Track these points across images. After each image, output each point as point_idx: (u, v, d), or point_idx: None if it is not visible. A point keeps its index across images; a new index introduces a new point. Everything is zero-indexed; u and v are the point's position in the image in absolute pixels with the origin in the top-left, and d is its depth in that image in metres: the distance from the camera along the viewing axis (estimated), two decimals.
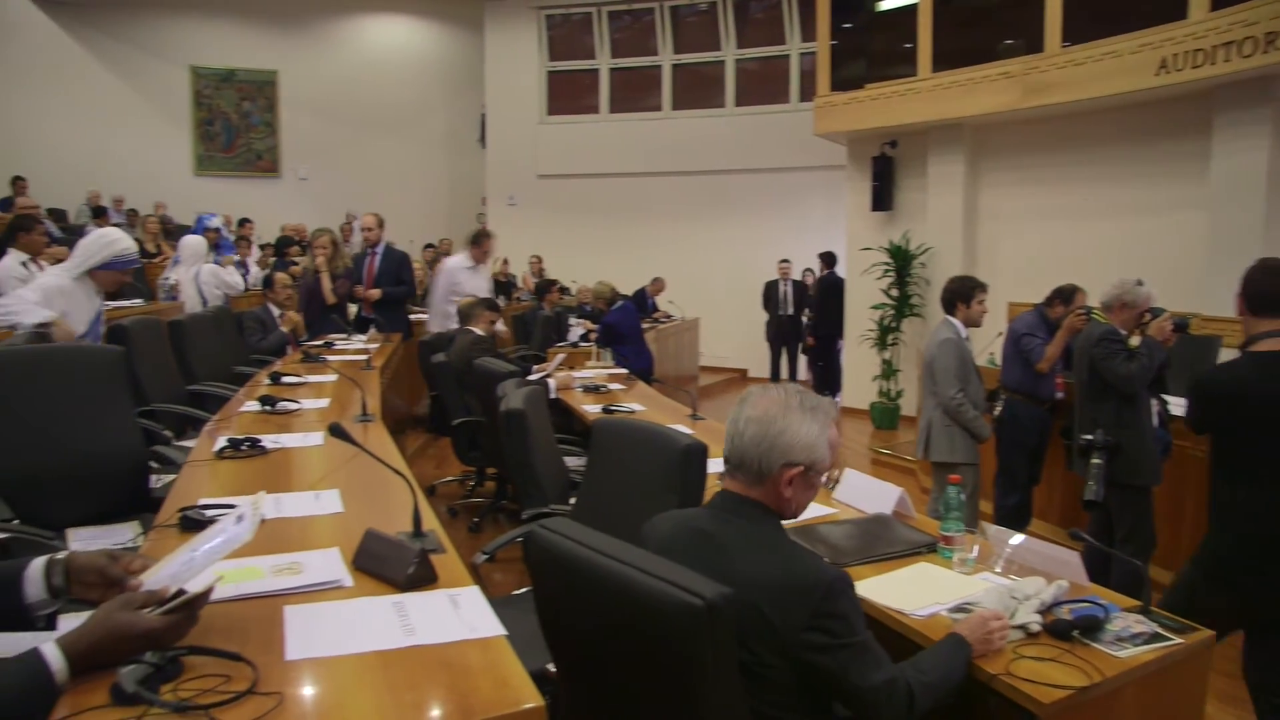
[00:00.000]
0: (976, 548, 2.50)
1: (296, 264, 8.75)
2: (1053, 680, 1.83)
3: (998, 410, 5.09)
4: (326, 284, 7.19)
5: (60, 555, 1.67)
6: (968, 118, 8.85)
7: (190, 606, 1.52)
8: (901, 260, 9.64)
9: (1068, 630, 2.00)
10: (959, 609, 2.13)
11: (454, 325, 6.69)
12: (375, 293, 7.41)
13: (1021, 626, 2.02)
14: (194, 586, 1.54)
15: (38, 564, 1.65)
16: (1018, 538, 2.50)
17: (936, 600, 2.19)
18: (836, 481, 3.14)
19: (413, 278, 8.05)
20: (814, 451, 1.87)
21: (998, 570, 2.41)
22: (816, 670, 1.74)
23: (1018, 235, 9.06)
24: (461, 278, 7.45)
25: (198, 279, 7.58)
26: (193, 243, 7.93)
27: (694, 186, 13.91)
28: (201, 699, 1.39)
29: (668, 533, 1.93)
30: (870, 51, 10.04)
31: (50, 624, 1.70)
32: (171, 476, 3.61)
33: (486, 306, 6.04)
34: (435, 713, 1.41)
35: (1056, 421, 5.11)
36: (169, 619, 1.49)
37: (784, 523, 1.91)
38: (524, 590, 2.72)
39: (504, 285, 12.15)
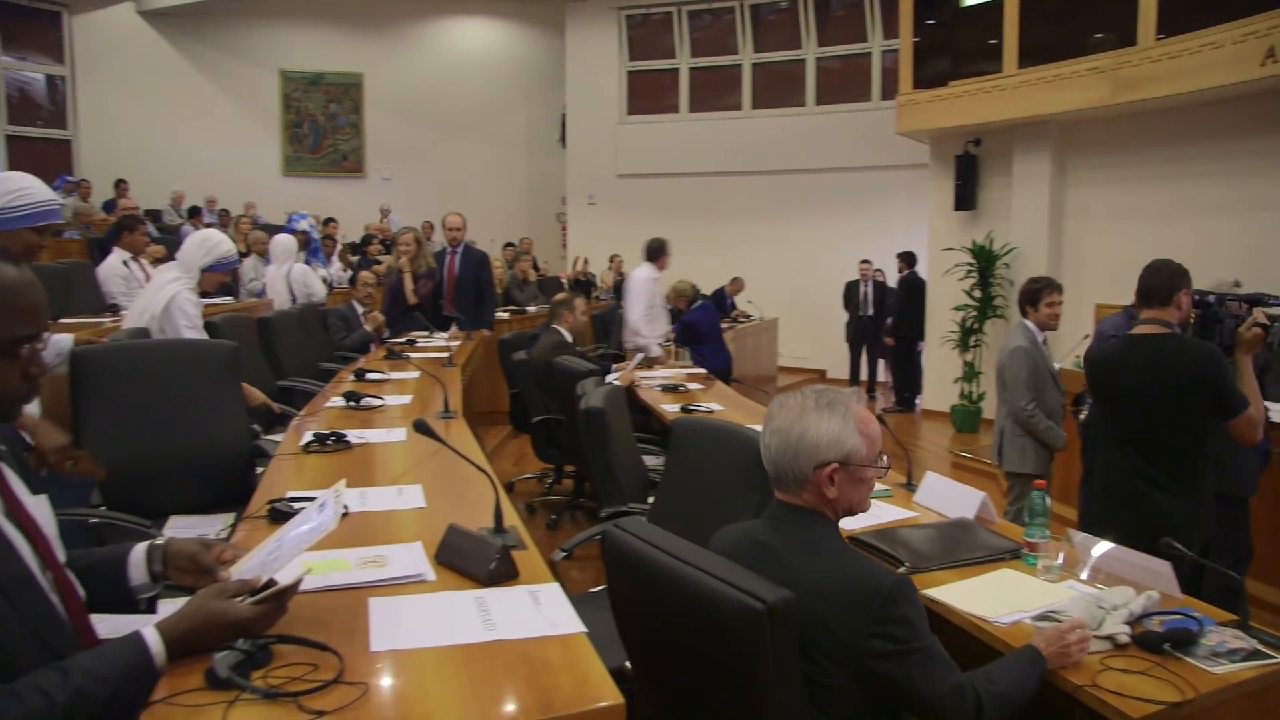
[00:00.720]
0: (1062, 555, 2.43)
1: (380, 263, 8.91)
2: (1142, 694, 1.76)
3: (1084, 414, 4.95)
4: (409, 283, 7.30)
5: (159, 541, 1.74)
6: (1055, 115, 8.63)
7: (280, 597, 1.57)
8: (985, 261, 9.44)
9: (1159, 643, 1.92)
10: (1043, 617, 2.07)
11: (647, 340, 6.90)
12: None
13: (1109, 637, 1.95)
14: (284, 578, 1.58)
15: (139, 549, 1.73)
16: (1104, 546, 2.43)
17: (1020, 608, 2.14)
18: (887, 469, 3.09)
19: (492, 277, 8.13)
20: (842, 445, 1.84)
21: (1084, 578, 2.35)
22: (881, 679, 1.71)
23: (1106, 235, 8.80)
24: (655, 289, 7.25)
25: (289, 277, 7.76)
26: (284, 242, 8.12)
27: (773, 186, 13.83)
28: (290, 686, 1.42)
29: (729, 546, 1.91)
30: (954, 48, 9.85)
31: (151, 607, 1.77)
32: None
33: (567, 306, 6.07)
34: (516, 707, 1.42)
35: None
36: (259, 609, 1.54)
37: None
38: (601, 588, 2.72)
39: (583, 284, 12.22)
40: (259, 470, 3.66)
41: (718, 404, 5.11)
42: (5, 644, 1.37)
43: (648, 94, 15.01)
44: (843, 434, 1.84)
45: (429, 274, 7.49)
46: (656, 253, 7.28)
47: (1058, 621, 2.00)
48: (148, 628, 1.46)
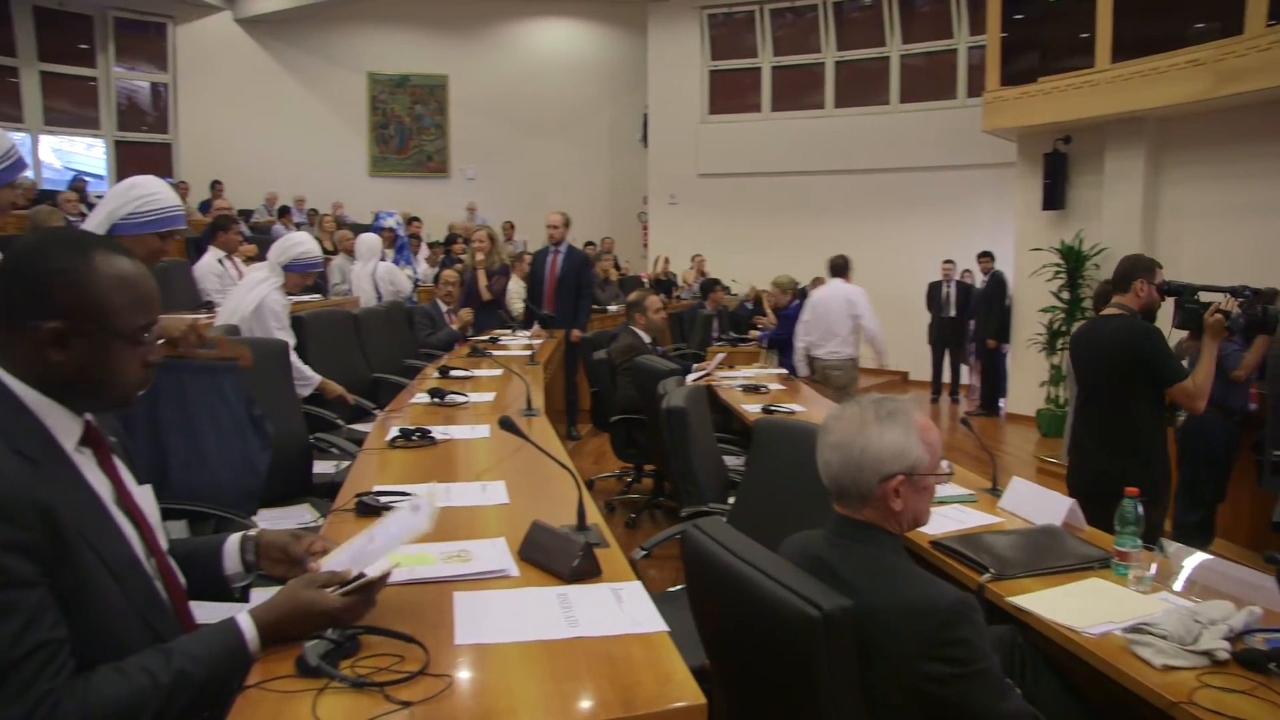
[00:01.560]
0: (1155, 566, 2.35)
1: (461, 261, 9.04)
2: (1244, 715, 1.67)
3: (1180, 420, 4.80)
4: (482, 280, 7.40)
5: (252, 532, 1.79)
6: (1150, 110, 8.37)
7: (368, 589, 1.61)
8: (1074, 261, 9.21)
9: (1263, 661, 1.82)
10: (1135, 629, 1.98)
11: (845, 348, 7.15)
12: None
13: (1206, 653, 1.86)
14: (372, 571, 1.61)
15: (234, 540, 1.78)
16: (1200, 557, 2.35)
17: (1110, 619, 2.06)
18: (950, 475, 3.03)
19: (592, 278, 8.16)
20: (906, 456, 1.79)
21: (1178, 590, 2.26)
22: (938, 702, 1.65)
23: (1203, 235, 8.51)
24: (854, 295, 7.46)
25: (374, 275, 7.92)
26: (369, 240, 8.29)
27: (855, 185, 13.67)
28: (377, 676, 1.45)
29: (792, 558, 1.87)
30: (1043, 43, 9.61)
31: (244, 596, 1.84)
32: (337, 462, 3.81)
33: (639, 308, 6.08)
34: (598, 704, 1.42)
35: (1247, 435, 4.78)
36: (348, 600, 1.57)
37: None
38: (679, 588, 2.72)
39: (663, 284, 12.23)
40: (328, 465, 3.77)
41: (799, 405, 5.07)
42: (115, 625, 1.44)
43: (729, 93, 14.96)
44: (906, 444, 1.79)
45: (502, 271, 7.58)
46: (846, 268, 7.61)
47: (1150, 634, 1.93)
48: (242, 614, 1.51)
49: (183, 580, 1.68)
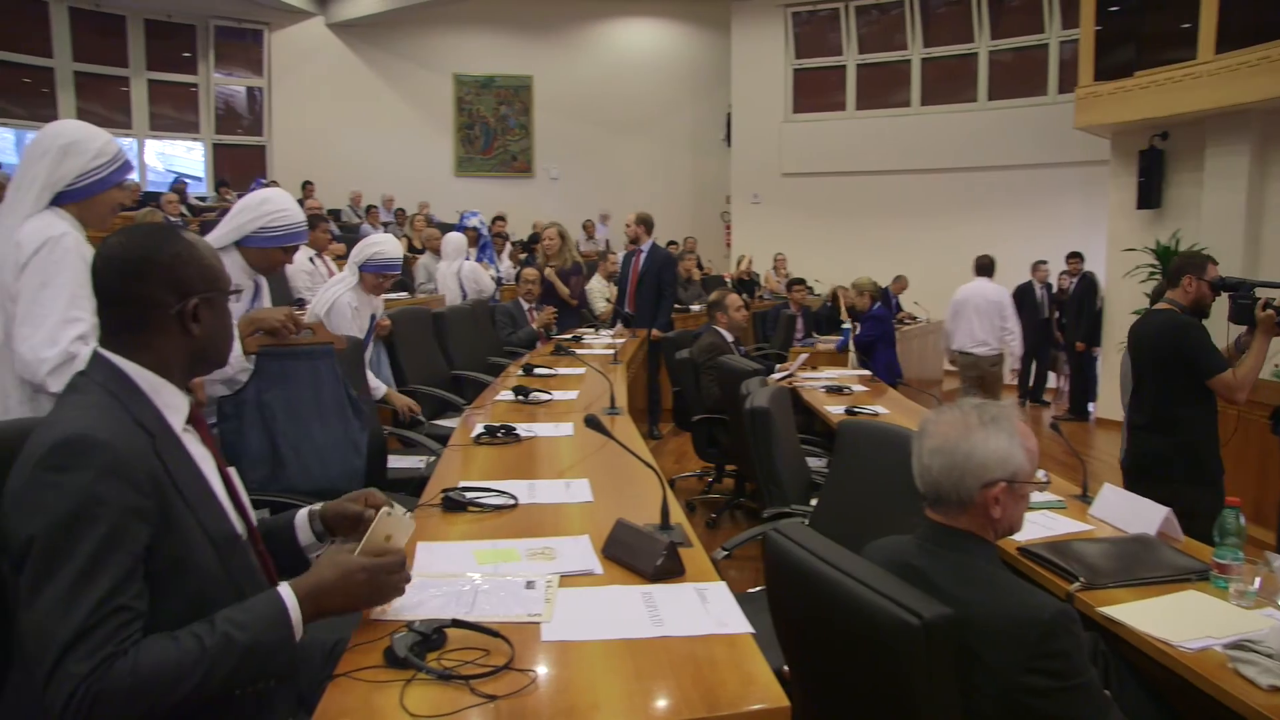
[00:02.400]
0: (1259, 580, 2.24)
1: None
2: None
3: None
4: (557, 282, 7.45)
5: (316, 506, 1.88)
6: (1257, 103, 8.01)
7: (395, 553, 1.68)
8: (1169, 262, 8.88)
9: None
10: (1237, 646, 1.89)
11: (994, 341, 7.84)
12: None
13: None
14: (399, 539, 1.70)
15: (302, 514, 1.89)
16: None
17: (1208, 633, 1.97)
18: (1047, 484, 2.95)
19: (673, 278, 8.15)
20: (1010, 462, 1.74)
21: None
22: (1036, 714, 1.60)
23: None
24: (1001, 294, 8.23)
25: (459, 274, 8.03)
26: (455, 239, 8.41)
27: (942, 184, 13.43)
28: (463, 670, 1.47)
29: (879, 564, 1.83)
30: (1141, 35, 9.27)
31: None
32: (412, 458, 3.87)
33: (720, 307, 6.06)
34: (680, 704, 1.42)
35: None
36: (380, 560, 1.63)
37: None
38: (759, 589, 2.70)
39: (746, 284, 12.17)
40: (405, 461, 3.83)
41: (883, 407, 5.00)
42: (213, 595, 1.51)
43: (813, 91, 14.82)
44: (1010, 451, 1.75)
45: (574, 269, 7.62)
46: (991, 267, 8.31)
47: (1255, 651, 1.85)
48: (283, 584, 1.57)
49: (269, 556, 1.77)
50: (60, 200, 2.47)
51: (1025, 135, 12.52)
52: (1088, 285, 10.27)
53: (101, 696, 1.32)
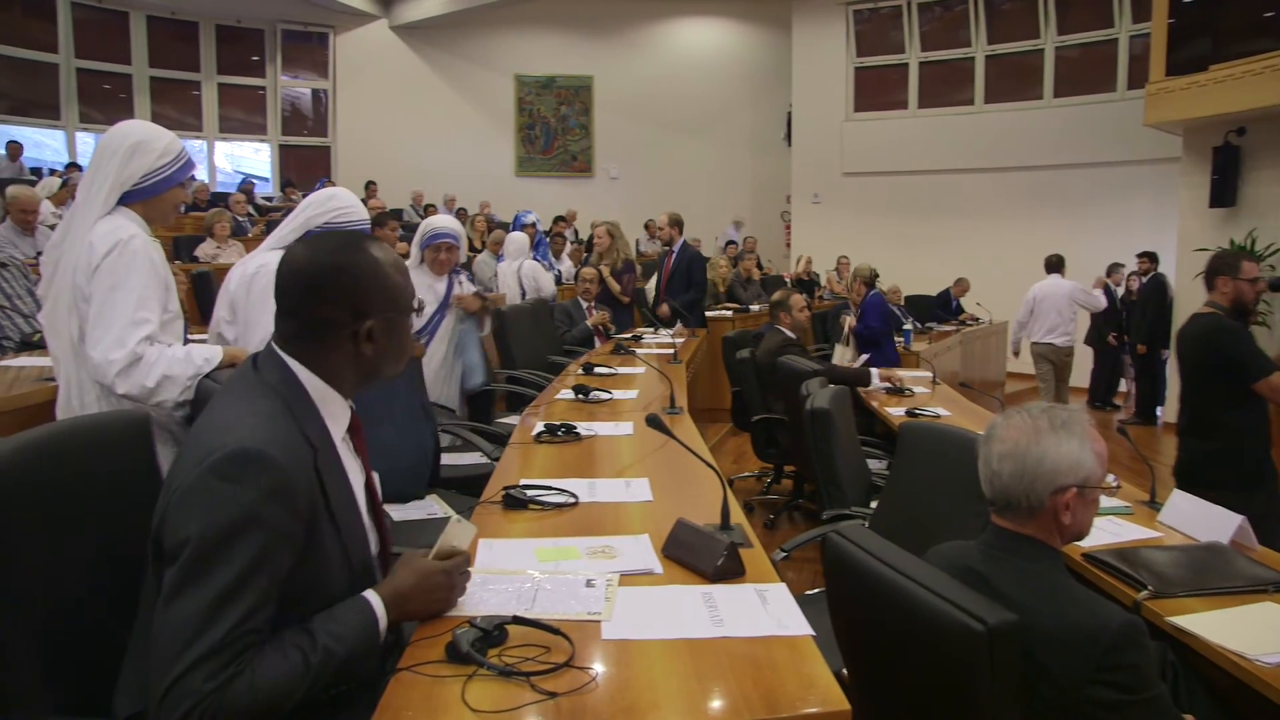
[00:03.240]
0: None
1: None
2: None
3: None
4: (610, 280, 7.48)
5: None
6: None
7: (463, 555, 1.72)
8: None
9: None
10: None
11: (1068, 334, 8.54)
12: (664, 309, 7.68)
13: None
14: (460, 543, 1.72)
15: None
16: None
17: None
18: (1117, 488, 2.88)
19: (702, 277, 8.19)
20: (1081, 468, 1.71)
21: None
22: None
23: None
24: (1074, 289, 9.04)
25: (519, 273, 8.09)
26: (518, 239, 8.46)
27: (1006, 183, 13.22)
28: (523, 666, 1.48)
29: (941, 569, 1.81)
30: (1217, 27, 8.96)
31: None
32: (467, 455, 3.89)
33: (783, 307, 6.02)
34: (740, 704, 1.42)
35: None
36: (451, 561, 1.68)
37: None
38: (817, 591, 2.69)
39: (805, 284, 12.10)
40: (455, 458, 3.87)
41: (944, 409, 4.94)
42: (326, 571, 1.55)
43: (875, 90, 14.68)
44: (1081, 456, 1.72)
45: (627, 267, 7.64)
46: (1061, 265, 9.23)
47: None
48: (369, 591, 1.59)
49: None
50: (127, 199, 2.56)
51: (1092, 133, 12.27)
52: (1157, 286, 10.02)
53: (220, 714, 1.35)
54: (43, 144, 14.30)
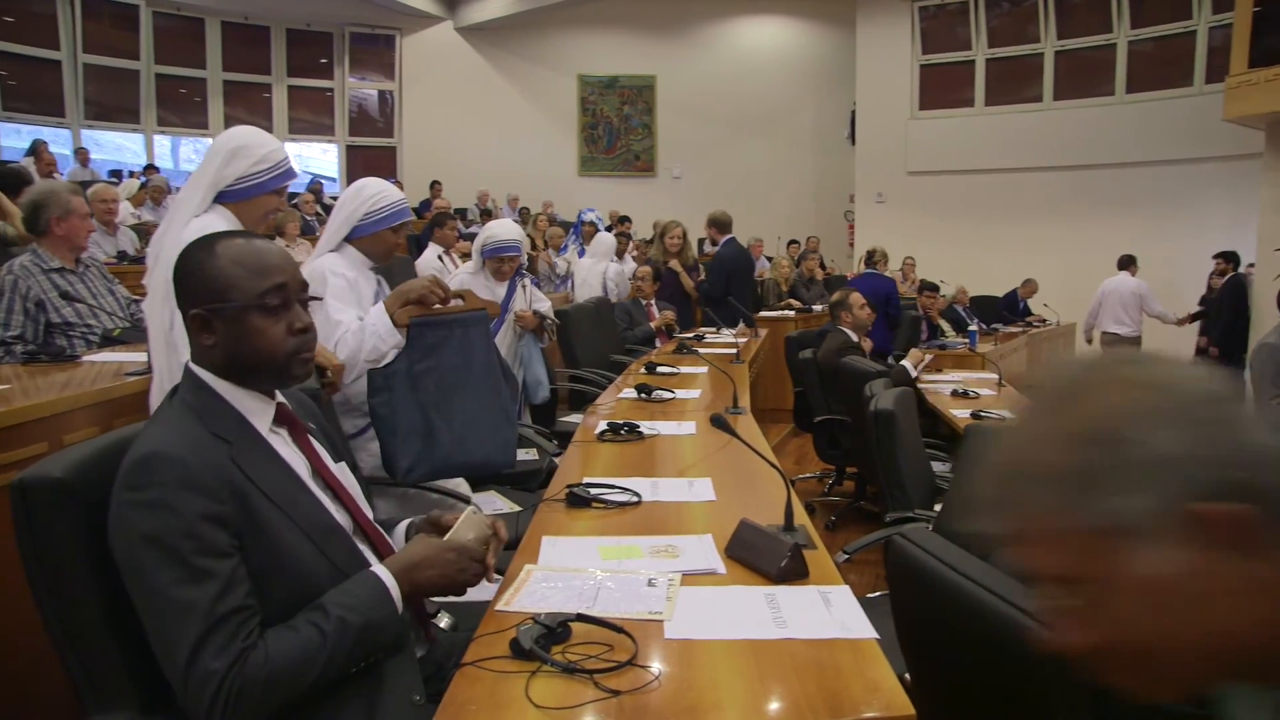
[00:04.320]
0: None
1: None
2: None
3: None
4: (682, 272, 7.47)
5: (417, 519, 1.92)
6: None
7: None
8: None
9: None
10: None
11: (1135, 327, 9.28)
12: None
13: None
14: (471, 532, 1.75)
15: (401, 526, 1.94)
16: None
17: None
18: None
19: (721, 276, 8.14)
20: None
21: None
22: None
23: None
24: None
25: (605, 274, 8.11)
26: (606, 240, 8.50)
27: (1074, 182, 12.97)
28: (587, 664, 1.49)
29: (1008, 575, 1.78)
30: None
31: None
32: (520, 452, 3.91)
33: (844, 306, 5.97)
34: (804, 707, 1.41)
35: None
36: (467, 540, 1.72)
37: None
38: (879, 594, 2.66)
39: None
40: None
41: (1010, 411, 4.85)
42: (318, 586, 1.58)
43: (941, 88, 14.50)
44: None
45: (693, 267, 7.64)
46: (1131, 263, 10.03)
47: None
48: (375, 564, 1.65)
49: (393, 547, 1.82)
50: (222, 199, 2.66)
51: (1167, 129, 11.99)
52: (1235, 289, 9.73)
53: (245, 690, 1.41)
54: (123, 147, 14.77)
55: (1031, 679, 1.48)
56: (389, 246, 3.14)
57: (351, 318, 2.83)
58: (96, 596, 1.56)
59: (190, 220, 2.57)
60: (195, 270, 1.64)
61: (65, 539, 1.54)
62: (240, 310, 1.63)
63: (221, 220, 2.58)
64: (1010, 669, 1.52)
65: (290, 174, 2.83)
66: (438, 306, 2.89)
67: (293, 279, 1.70)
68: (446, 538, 1.73)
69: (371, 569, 1.63)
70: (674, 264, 7.51)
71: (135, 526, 1.46)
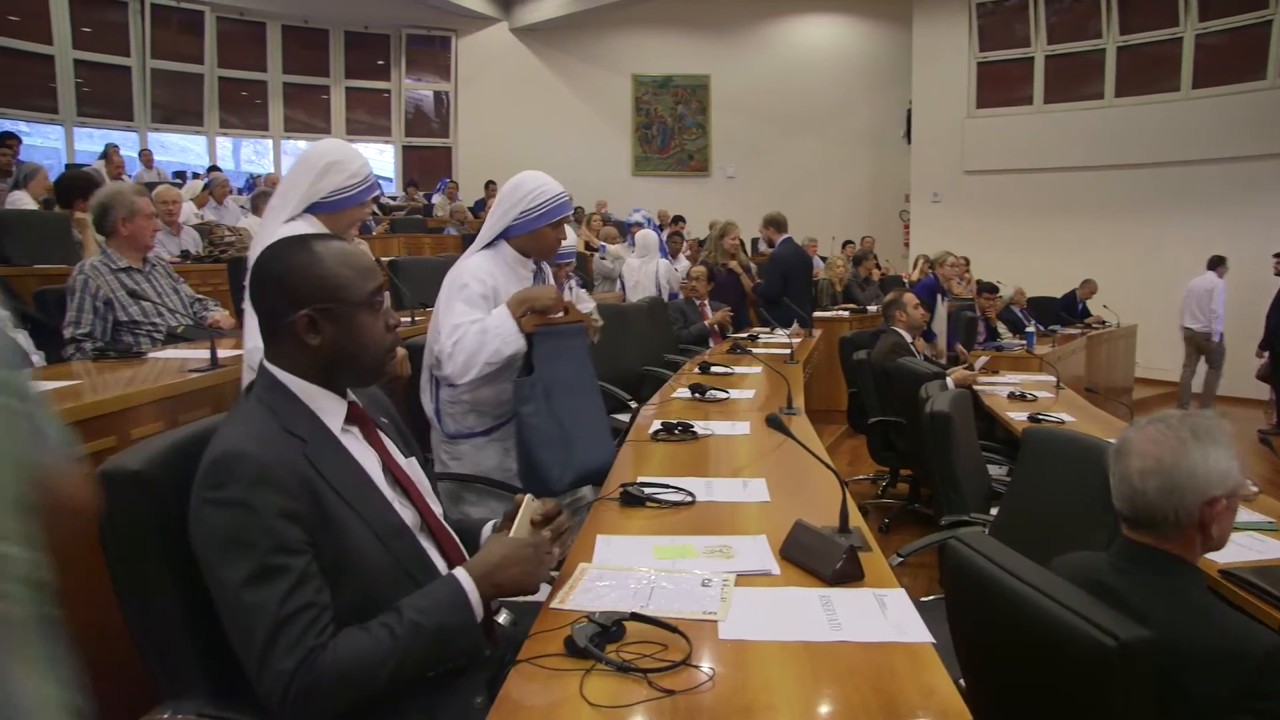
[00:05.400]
0: None
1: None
2: None
3: None
4: (741, 271, 7.47)
5: (498, 520, 1.95)
6: None
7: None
8: None
9: None
10: None
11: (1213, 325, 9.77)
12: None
13: None
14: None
15: (489, 525, 1.98)
16: None
17: None
18: (1258, 494, 2.74)
19: (778, 276, 8.10)
20: (1230, 476, 1.64)
21: None
22: None
23: None
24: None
25: (658, 272, 8.13)
26: (649, 237, 8.50)
27: (1136, 180, 12.67)
28: (640, 663, 1.49)
29: (1067, 581, 1.75)
30: None
31: None
32: None
33: (898, 306, 5.92)
34: (859, 710, 1.40)
35: None
36: (538, 538, 1.76)
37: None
38: (932, 598, 2.63)
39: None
40: None
41: (1068, 415, 4.79)
42: (383, 585, 1.62)
43: (998, 86, 14.28)
44: (1229, 465, 1.65)
45: (746, 268, 7.63)
46: (1219, 263, 10.70)
47: None
48: (458, 569, 1.67)
49: (460, 546, 1.86)
50: (314, 209, 2.85)
51: (1236, 125, 11.65)
52: None
53: (313, 688, 1.45)
54: (186, 149, 15.10)
55: (1094, 690, 1.46)
56: (549, 244, 3.15)
57: (471, 320, 2.88)
58: (171, 585, 1.62)
59: (281, 226, 2.71)
60: (301, 271, 1.68)
61: (141, 528, 1.61)
62: (353, 309, 1.69)
63: (309, 227, 2.71)
64: (1071, 679, 1.50)
65: (375, 187, 3.00)
66: (557, 316, 2.95)
67: (383, 280, 1.78)
68: (513, 531, 1.76)
69: (453, 573, 1.66)
70: (734, 265, 7.51)
71: (213, 524, 1.50)
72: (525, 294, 2.92)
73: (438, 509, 1.87)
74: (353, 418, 1.76)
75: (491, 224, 3.12)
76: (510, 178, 3.19)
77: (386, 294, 1.81)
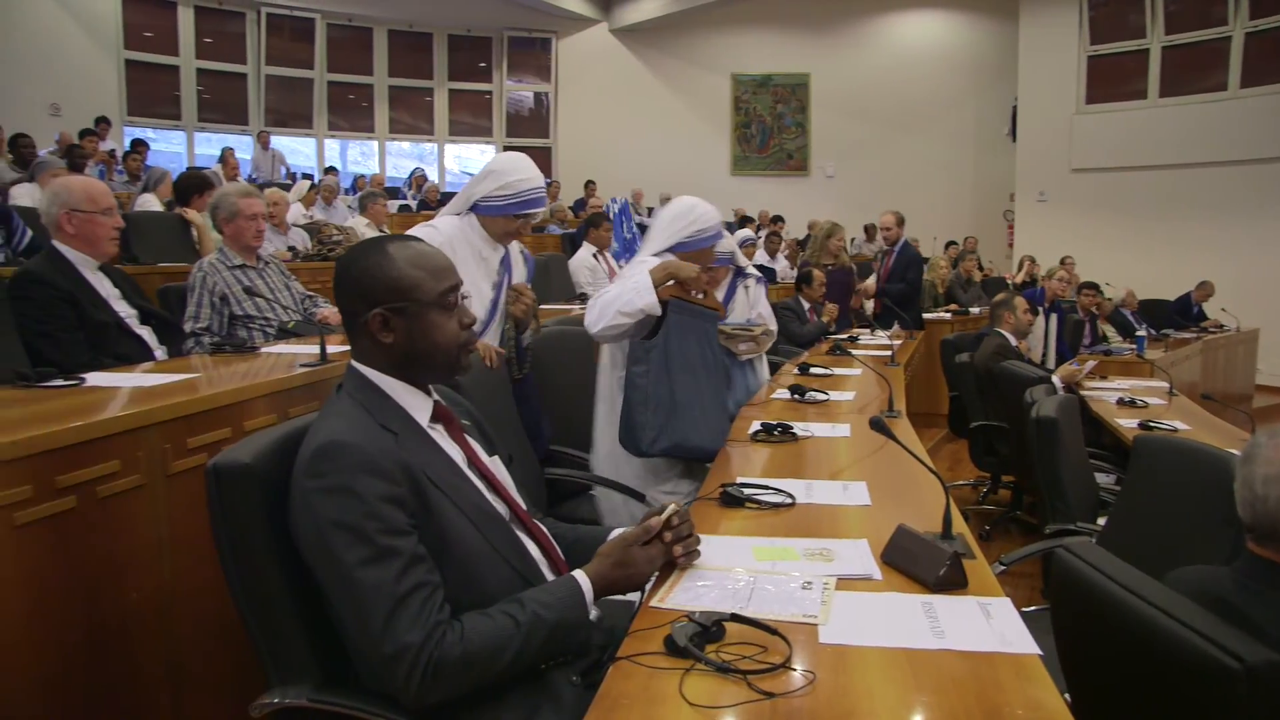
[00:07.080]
0: None
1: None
2: None
3: None
4: (870, 282, 7.42)
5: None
6: None
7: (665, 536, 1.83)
8: None
9: None
10: None
11: None
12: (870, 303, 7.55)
13: None
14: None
15: (616, 531, 1.99)
16: None
17: None
18: None
19: (918, 277, 7.99)
20: None
21: None
22: None
23: None
24: None
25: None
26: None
27: (1261, 177, 12.11)
28: (740, 664, 1.49)
29: (1185, 595, 1.68)
30: None
31: None
32: None
33: (1007, 307, 5.79)
34: None
35: None
36: (638, 531, 1.80)
37: None
38: (1035, 608, 2.57)
39: (1027, 287, 11.56)
40: None
41: (1182, 422, 4.62)
42: (482, 568, 1.69)
43: (1110, 79, 13.80)
44: None
45: (849, 270, 7.59)
46: None
47: None
48: (578, 570, 1.74)
49: (551, 539, 1.92)
50: (475, 210, 3.28)
51: None
52: None
53: (442, 664, 1.50)
54: (296, 150, 15.64)
55: (1214, 715, 1.40)
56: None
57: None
58: (280, 574, 1.68)
59: (444, 218, 3.22)
60: (374, 272, 1.75)
61: (251, 519, 1.67)
62: (424, 308, 1.75)
63: (455, 221, 3.16)
64: (1189, 702, 1.44)
65: (534, 204, 3.25)
66: (698, 296, 3.10)
67: (459, 280, 1.83)
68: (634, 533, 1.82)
69: (573, 574, 1.73)
70: (851, 265, 7.50)
71: (320, 512, 1.56)
72: (671, 264, 3.06)
73: (523, 504, 1.92)
74: (437, 416, 1.83)
75: (659, 241, 3.29)
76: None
77: (465, 292, 1.86)
